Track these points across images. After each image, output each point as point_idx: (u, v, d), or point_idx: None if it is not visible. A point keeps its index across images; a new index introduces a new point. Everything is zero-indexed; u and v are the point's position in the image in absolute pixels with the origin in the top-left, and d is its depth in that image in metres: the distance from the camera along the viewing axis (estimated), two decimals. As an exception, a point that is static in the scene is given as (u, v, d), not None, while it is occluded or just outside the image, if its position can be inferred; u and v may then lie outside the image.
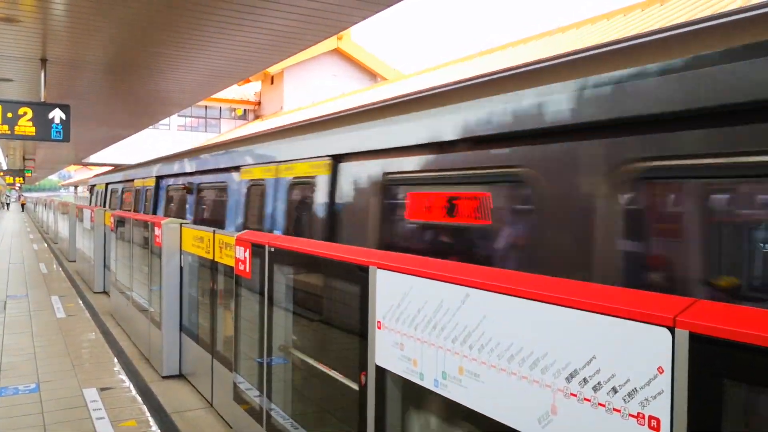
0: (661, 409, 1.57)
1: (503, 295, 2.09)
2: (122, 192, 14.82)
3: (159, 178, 10.91)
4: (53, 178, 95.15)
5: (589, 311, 1.78)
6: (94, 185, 21.19)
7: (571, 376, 1.82)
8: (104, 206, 17.13)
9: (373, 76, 36.15)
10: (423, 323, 2.46)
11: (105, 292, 12.88)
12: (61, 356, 7.83)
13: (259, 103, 39.67)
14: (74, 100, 10.42)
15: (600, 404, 1.74)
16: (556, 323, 1.89)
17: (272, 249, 4.13)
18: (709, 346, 1.47)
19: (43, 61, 8.37)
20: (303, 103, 33.40)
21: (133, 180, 13.29)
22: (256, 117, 39.23)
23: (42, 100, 8.84)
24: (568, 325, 1.84)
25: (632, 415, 1.64)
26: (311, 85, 35.20)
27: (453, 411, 2.43)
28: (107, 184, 17.44)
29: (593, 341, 1.77)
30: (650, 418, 1.60)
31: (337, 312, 3.81)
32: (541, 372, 1.92)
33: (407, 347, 2.55)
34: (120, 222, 10.18)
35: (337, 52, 35.41)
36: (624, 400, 1.67)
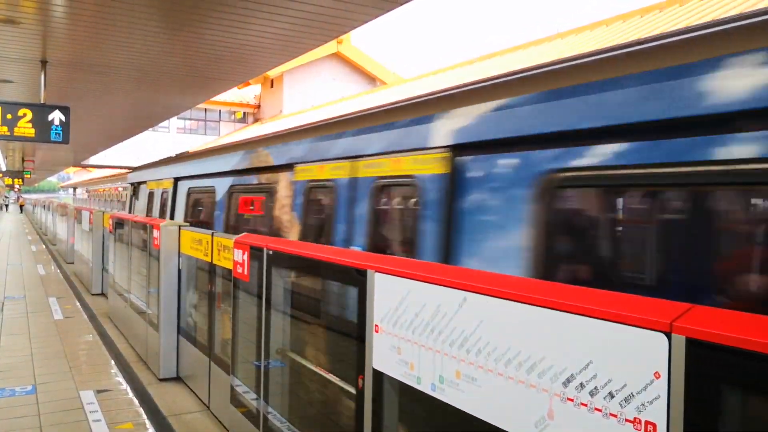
0: (657, 414, 1.57)
1: (500, 300, 2.09)
2: (229, 197, 7.50)
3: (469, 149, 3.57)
4: (52, 179, 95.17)
5: (586, 316, 1.78)
6: (141, 183, 12.91)
7: (568, 380, 1.83)
8: (170, 217, 10.13)
9: (372, 79, 36.19)
10: (420, 327, 2.46)
11: (103, 294, 12.87)
12: (59, 358, 7.82)
13: (258, 107, 39.69)
14: (74, 102, 10.43)
15: (596, 409, 1.74)
16: (553, 328, 1.89)
17: (270, 252, 4.12)
18: (705, 352, 1.47)
19: (43, 62, 8.38)
20: (302, 107, 33.46)
21: (273, 171, 6.15)
22: (256, 120, 39.24)
23: (42, 101, 8.84)
24: (565, 329, 1.85)
25: (629, 420, 1.64)
26: (311, 88, 35.25)
27: (450, 415, 2.43)
28: (177, 179, 10.03)
29: (590, 346, 1.77)
30: (646, 423, 1.60)
31: (335, 315, 3.81)
32: (538, 376, 1.92)
33: (405, 351, 2.55)
34: (118, 224, 10.17)
35: (337, 55, 35.45)
36: (620, 405, 1.67)
